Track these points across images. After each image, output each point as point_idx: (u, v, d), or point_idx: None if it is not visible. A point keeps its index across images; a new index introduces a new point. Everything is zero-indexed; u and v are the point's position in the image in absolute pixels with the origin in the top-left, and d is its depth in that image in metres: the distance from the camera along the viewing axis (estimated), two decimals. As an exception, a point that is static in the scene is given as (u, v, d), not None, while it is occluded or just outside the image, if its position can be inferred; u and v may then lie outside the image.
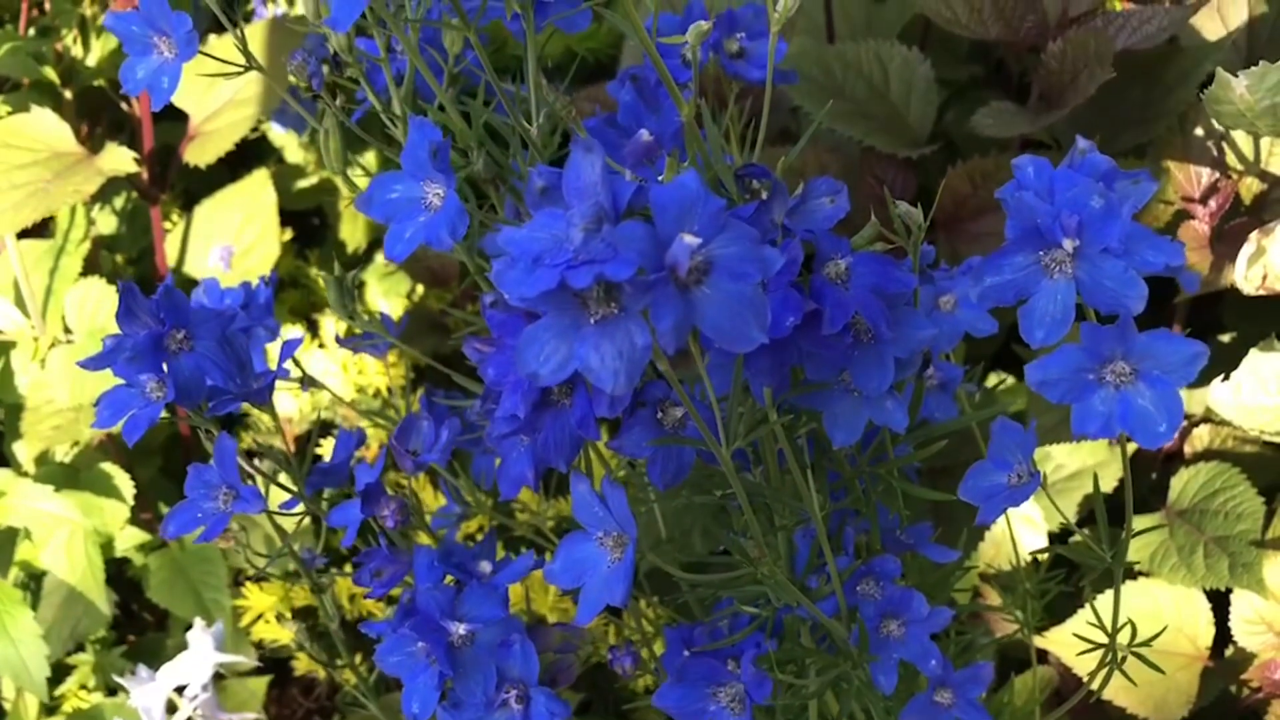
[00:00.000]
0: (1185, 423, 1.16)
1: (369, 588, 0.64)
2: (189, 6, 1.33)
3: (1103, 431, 0.48)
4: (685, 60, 0.68)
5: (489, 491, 0.84)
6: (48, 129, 1.07)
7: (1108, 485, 1.11)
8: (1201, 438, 1.16)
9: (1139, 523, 1.11)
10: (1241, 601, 1.05)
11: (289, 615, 1.25)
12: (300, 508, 0.68)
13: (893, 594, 0.67)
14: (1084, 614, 1.02)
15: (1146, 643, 0.69)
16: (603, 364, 0.39)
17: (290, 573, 0.83)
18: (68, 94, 1.24)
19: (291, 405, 1.40)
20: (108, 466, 1.17)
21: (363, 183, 0.69)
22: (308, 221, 1.62)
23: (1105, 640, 0.72)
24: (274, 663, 1.30)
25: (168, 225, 1.42)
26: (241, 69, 0.67)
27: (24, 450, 1.17)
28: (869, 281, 0.55)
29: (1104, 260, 0.48)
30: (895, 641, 0.67)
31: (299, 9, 1.36)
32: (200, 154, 1.16)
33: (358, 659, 1.07)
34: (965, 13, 0.96)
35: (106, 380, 1.07)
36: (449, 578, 0.64)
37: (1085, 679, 0.76)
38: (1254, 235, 0.88)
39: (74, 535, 1.13)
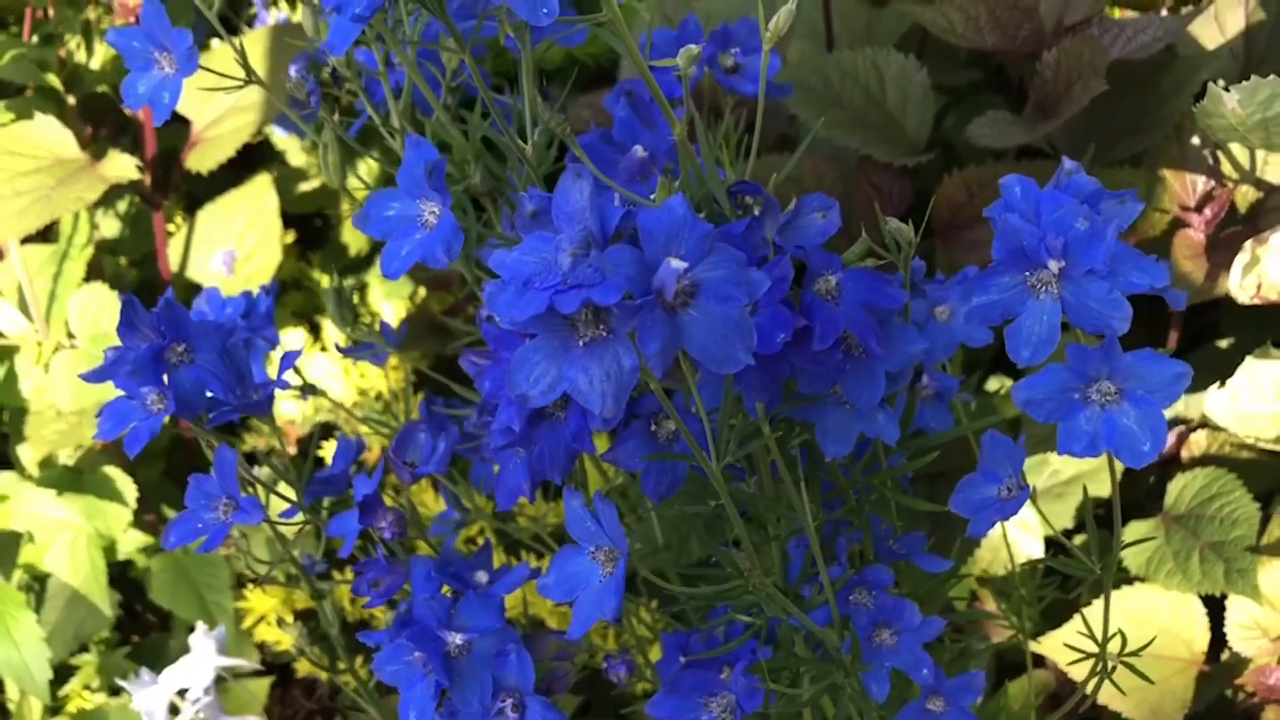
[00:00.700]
0: (1183, 427, 1.17)
1: (367, 598, 0.64)
2: (190, 16, 1.34)
3: (1087, 451, 0.49)
4: (680, 77, 0.68)
5: (489, 497, 0.85)
6: (51, 136, 1.08)
7: (1104, 490, 1.11)
8: (1199, 443, 1.16)
9: (1135, 528, 1.11)
10: (1237, 607, 1.05)
11: (291, 617, 1.26)
12: (300, 517, 0.69)
13: (885, 603, 0.68)
14: (1080, 619, 1.03)
15: (1136, 652, 0.69)
16: (591, 386, 0.40)
17: (292, 576, 0.84)
18: (71, 99, 1.24)
19: (293, 408, 1.41)
20: (110, 470, 1.18)
21: (362, 195, 0.70)
22: (310, 224, 1.63)
23: (1098, 647, 0.72)
24: (276, 663, 1.31)
25: (171, 228, 1.43)
26: (242, 82, 0.68)
27: (28, 454, 1.18)
28: (859, 297, 0.56)
29: (1089, 281, 0.48)
30: (888, 650, 0.68)
31: (300, 15, 1.37)
32: (202, 160, 1.17)
33: (359, 661, 1.08)
34: (961, 22, 0.97)
35: (109, 385, 1.08)
36: (446, 588, 0.64)
37: (1080, 684, 0.77)
38: (1248, 244, 0.89)
39: (77, 539, 1.14)
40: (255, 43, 1.18)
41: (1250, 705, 1.09)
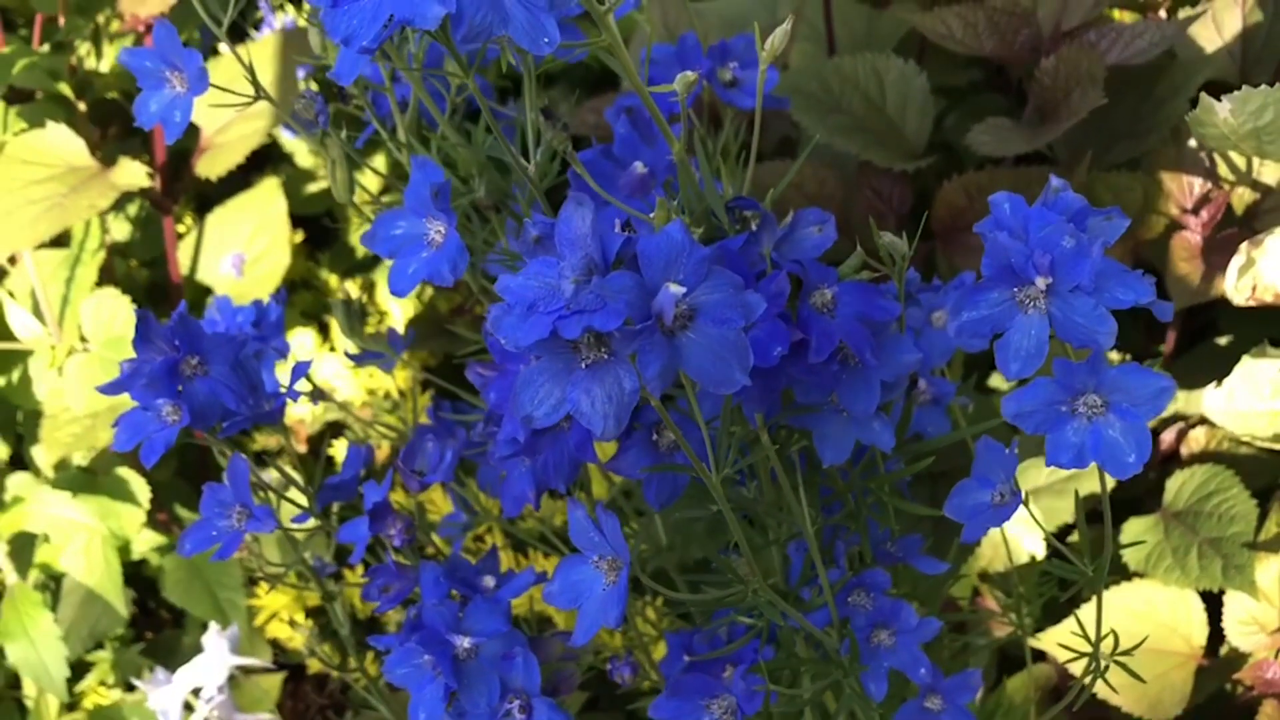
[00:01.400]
0: (1182, 424, 1.18)
1: (377, 603, 0.66)
2: (196, 36, 1.36)
3: (1075, 463, 0.50)
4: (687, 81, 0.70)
5: (497, 498, 0.87)
6: (62, 144, 1.10)
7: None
8: (1198, 439, 1.17)
9: (1134, 524, 1.13)
10: (1235, 602, 1.06)
11: (303, 615, 1.28)
12: (311, 523, 0.71)
13: (883, 605, 0.69)
14: (1080, 613, 1.04)
15: (1129, 651, 0.71)
16: (593, 408, 0.42)
17: (303, 574, 0.86)
18: (81, 105, 1.26)
19: (304, 408, 1.42)
20: (124, 471, 1.20)
21: (369, 208, 0.72)
22: (319, 224, 1.64)
23: (1108, 637, 0.73)
24: (289, 659, 1.33)
25: (181, 229, 1.45)
26: (250, 98, 0.70)
27: (43, 456, 1.20)
28: (854, 310, 0.57)
29: (1075, 298, 0.50)
30: (886, 650, 0.69)
31: (307, 18, 1.38)
32: (212, 166, 1.19)
33: (369, 658, 1.10)
34: (960, 28, 0.98)
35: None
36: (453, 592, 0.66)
37: (1077, 680, 0.78)
38: (1243, 247, 0.90)
39: (92, 539, 1.16)
40: (264, 49, 1.19)
41: (1249, 699, 1.10)
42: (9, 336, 1.21)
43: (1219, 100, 0.76)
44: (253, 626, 1.27)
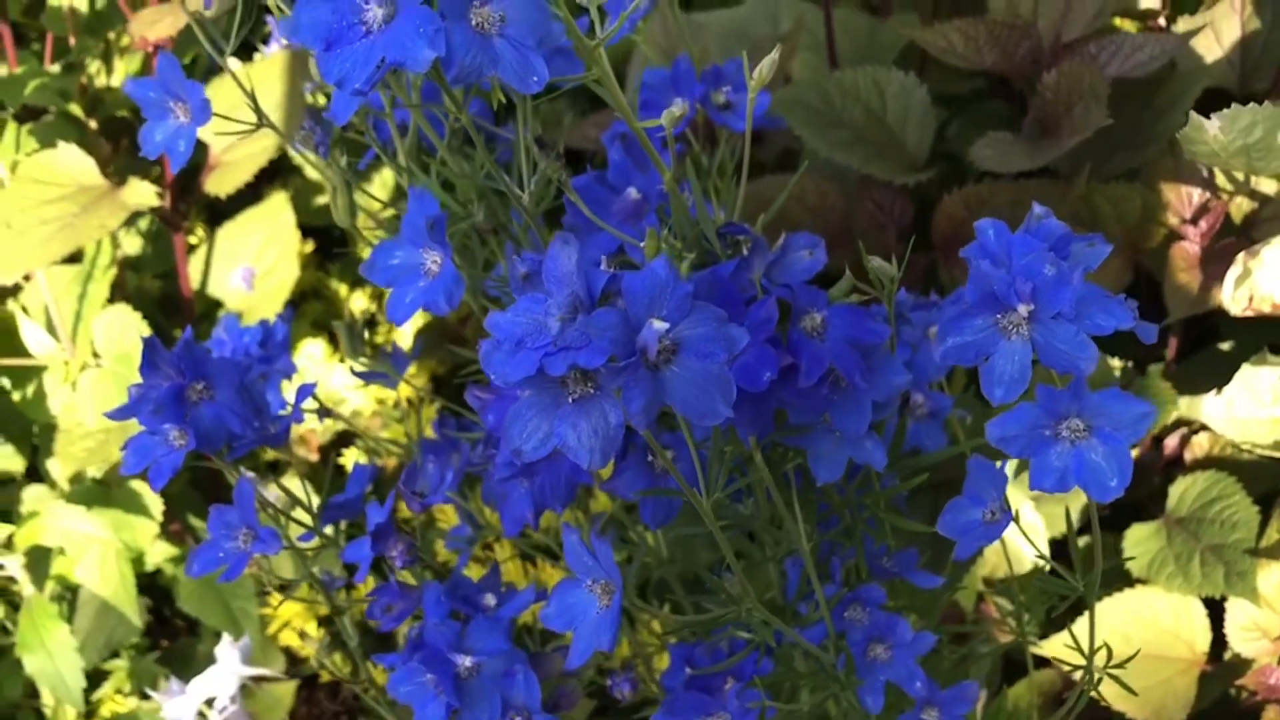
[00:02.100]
0: (1185, 430, 1.19)
1: (380, 622, 0.67)
2: (204, 56, 1.37)
3: (1058, 486, 0.51)
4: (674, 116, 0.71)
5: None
6: (73, 164, 1.11)
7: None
8: (1201, 445, 1.18)
9: (1138, 530, 1.13)
10: (1237, 609, 1.07)
11: (314, 623, 1.30)
12: (316, 541, 0.72)
13: (879, 619, 0.70)
14: (1083, 621, 1.05)
15: (1123, 664, 0.71)
16: (579, 442, 0.43)
17: (313, 587, 0.87)
18: (92, 123, 1.28)
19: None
20: (137, 484, 1.22)
21: (370, 233, 0.73)
22: (328, 234, 1.66)
23: (1101, 650, 0.74)
24: (301, 666, 1.35)
25: (192, 240, 1.46)
26: (254, 126, 0.71)
27: (58, 470, 1.21)
28: (844, 333, 0.58)
29: (1057, 324, 0.51)
30: (882, 664, 0.70)
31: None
32: (220, 184, 1.20)
33: (379, 667, 1.12)
34: (961, 42, 0.98)
35: (135, 405, 1.11)
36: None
37: (1078, 685, 0.79)
38: (1240, 257, 0.90)
39: (106, 552, 1.18)
40: (270, 67, 1.21)
41: (1252, 704, 1.11)
42: (23, 352, 1.23)
43: (1209, 118, 0.76)
44: (265, 635, 1.29)
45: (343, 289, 1.57)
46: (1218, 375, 1.10)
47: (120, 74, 1.39)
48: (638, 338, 0.43)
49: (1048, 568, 1.05)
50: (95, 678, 1.28)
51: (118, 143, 1.42)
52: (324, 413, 0.86)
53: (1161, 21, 1.17)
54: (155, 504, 1.21)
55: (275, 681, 1.28)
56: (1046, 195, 0.97)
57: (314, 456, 1.48)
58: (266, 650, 1.29)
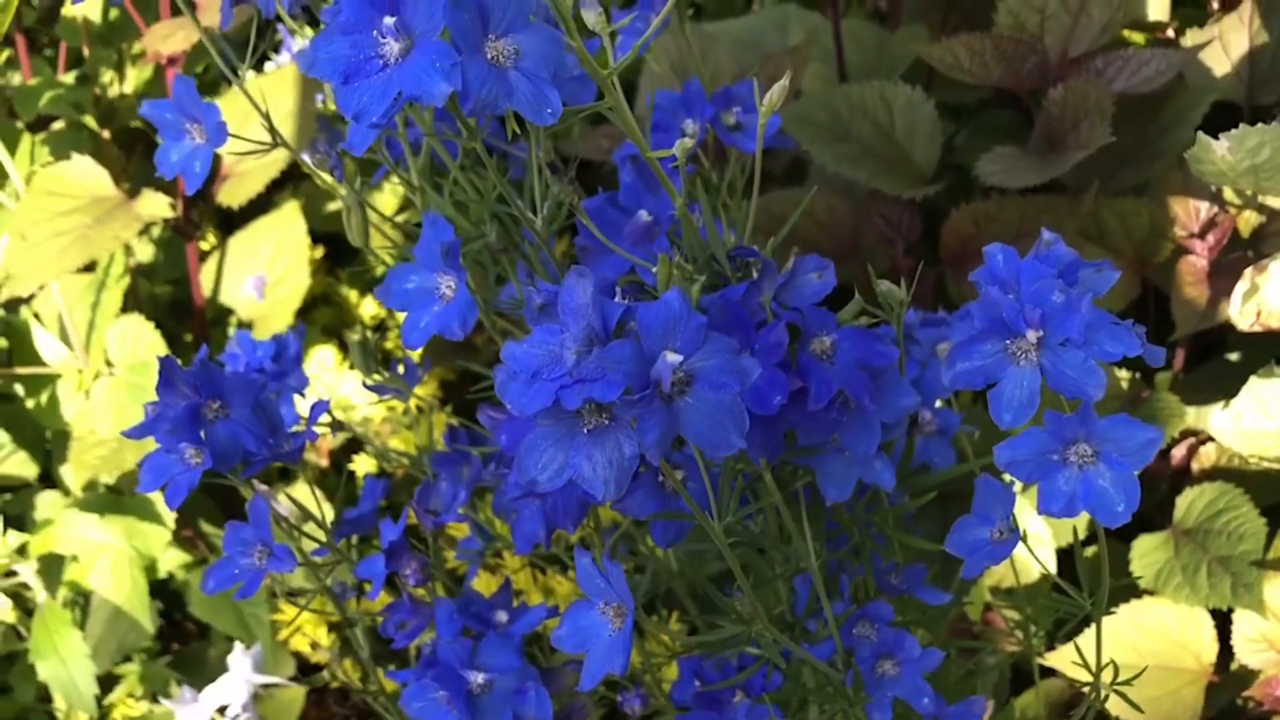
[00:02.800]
0: (1193, 440, 1.19)
1: (393, 639, 0.68)
2: (216, 67, 1.38)
3: (1066, 511, 0.52)
4: (685, 135, 0.71)
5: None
6: (87, 175, 1.12)
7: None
8: (1208, 455, 1.18)
9: (1145, 541, 1.13)
10: (1244, 620, 1.07)
11: (325, 628, 1.31)
12: (330, 556, 0.73)
13: (887, 636, 0.71)
14: (1090, 633, 1.05)
15: (1129, 681, 0.72)
16: (594, 473, 0.43)
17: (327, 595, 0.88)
18: (105, 134, 1.29)
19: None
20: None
21: (383, 250, 0.73)
22: (339, 240, 1.67)
23: (1108, 664, 0.74)
24: (313, 669, 1.36)
25: (204, 245, 1.47)
26: (268, 146, 0.72)
27: (72, 477, 1.22)
28: (853, 356, 0.59)
29: (1065, 350, 0.51)
30: (890, 680, 0.71)
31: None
32: (233, 195, 1.21)
33: (391, 667, 1.13)
34: (968, 58, 0.99)
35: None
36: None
37: (1086, 696, 0.79)
38: (1248, 272, 0.91)
39: (119, 559, 1.19)
40: (282, 78, 1.22)
41: (1259, 715, 1.11)
42: (37, 360, 1.24)
43: (1217, 137, 0.77)
44: (276, 641, 1.30)
45: (353, 295, 1.58)
46: (1225, 386, 1.10)
47: (133, 82, 1.40)
48: (652, 370, 0.43)
49: (1057, 577, 1.05)
50: (107, 682, 1.29)
51: (130, 151, 1.43)
52: (336, 426, 0.87)
53: (1170, 33, 1.17)
54: (167, 511, 1.21)
55: (285, 687, 1.29)
56: (1054, 210, 0.98)
57: (324, 462, 1.49)
58: (277, 656, 1.30)
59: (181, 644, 1.42)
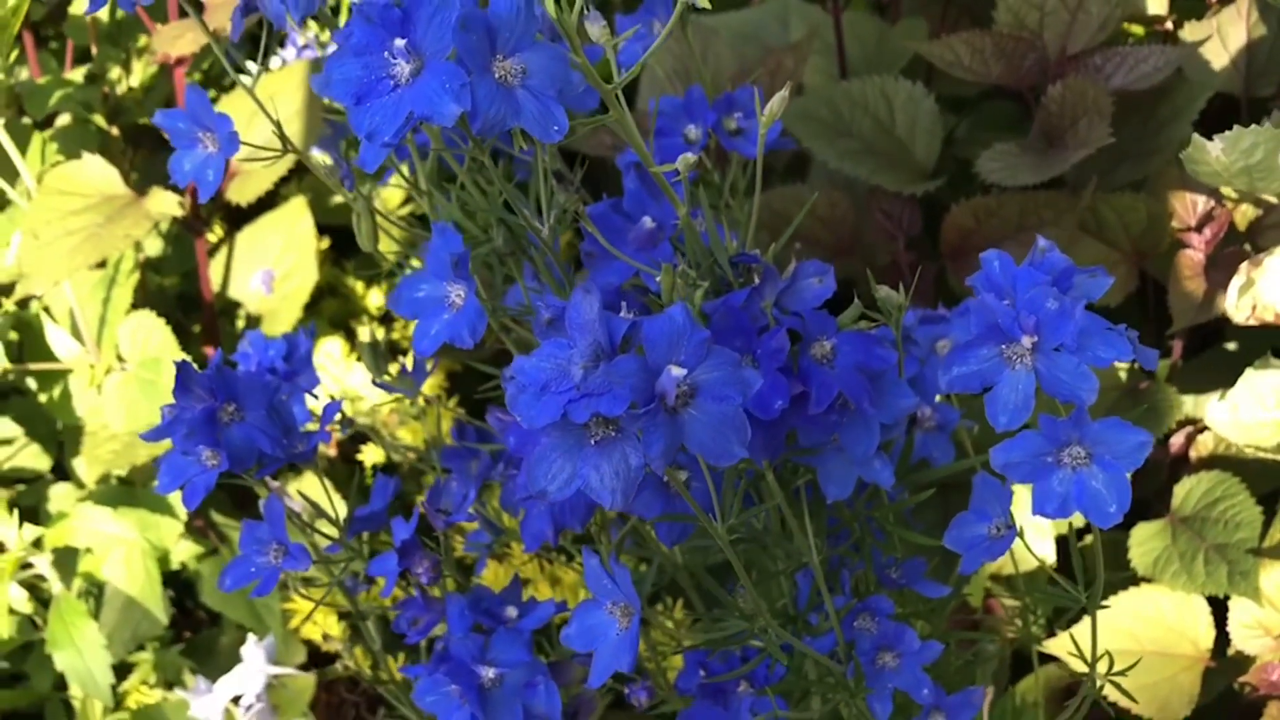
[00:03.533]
0: (1191, 428, 1.20)
1: (406, 634, 0.70)
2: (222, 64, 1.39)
3: (1059, 512, 0.53)
4: (687, 140, 0.73)
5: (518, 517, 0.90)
6: (97, 174, 1.14)
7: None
8: (1206, 443, 1.19)
9: (1143, 529, 1.15)
10: (1240, 607, 1.09)
11: (336, 617, 1.33)
12: (342, 553, 0.75)
13: (887, 629, 0.72)
14: (1077, 632, 1.06)
15: (1123, 672, 0.74)
16: (602, 483, 0.45)
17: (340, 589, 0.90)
18: (114, 130, 1.30)
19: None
20: (163, 484, 1.24)
21: (392, 255, 0.75)
22: (345, 232, 1.68)
23: (1103, 655, 0.76)
24: (323, 656, 1.38)
25: (211, 236, 1.49)
26: (278, 154, 0.73)
27: (85, 470, 1.24)
28: (853, 360, 0.60)
29: (1059, 356, 0.53)
30: (890, 672, 0.73)
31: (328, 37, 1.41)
32: (242, 192, 1.22)
33: (402, 658, 1.15)
34: (968, 55, 1.00)
35: (159, 409, 1.14)
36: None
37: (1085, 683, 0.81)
38: (1244, 266, 0.92)
39: (132, 551, 1.21)
40: (290, 75, 1.23)
41: (1254, 700, 1.13)
42: (50, 356, 1.26)
43: (1211, 139, 0.78)
44: (287, 629, 1.32)
45: (359, 286, 1.59)
46: (1223, 374, 1.11)
47: (139, 76, 1.42)
48: (657, 383, 0.45)
49: (1055, 567, 1.07)
50: (121, 670, 1.31)
51: (137, 146, 1.44)
52: (346, 423, 0.88)
53: (1169, 25, 1.18)
54: (179, 503, 1.23)
55: (298, 671, 1.31)
56: (1054, 205, 0.99)
57: (333, 452, 1.50)
58: (289, 643, 1.32)
59: (193, 631, 1.44)
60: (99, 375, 1.22)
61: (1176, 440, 1.20)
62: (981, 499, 0.66)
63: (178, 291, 1.52)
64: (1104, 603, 1.10)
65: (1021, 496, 1.13)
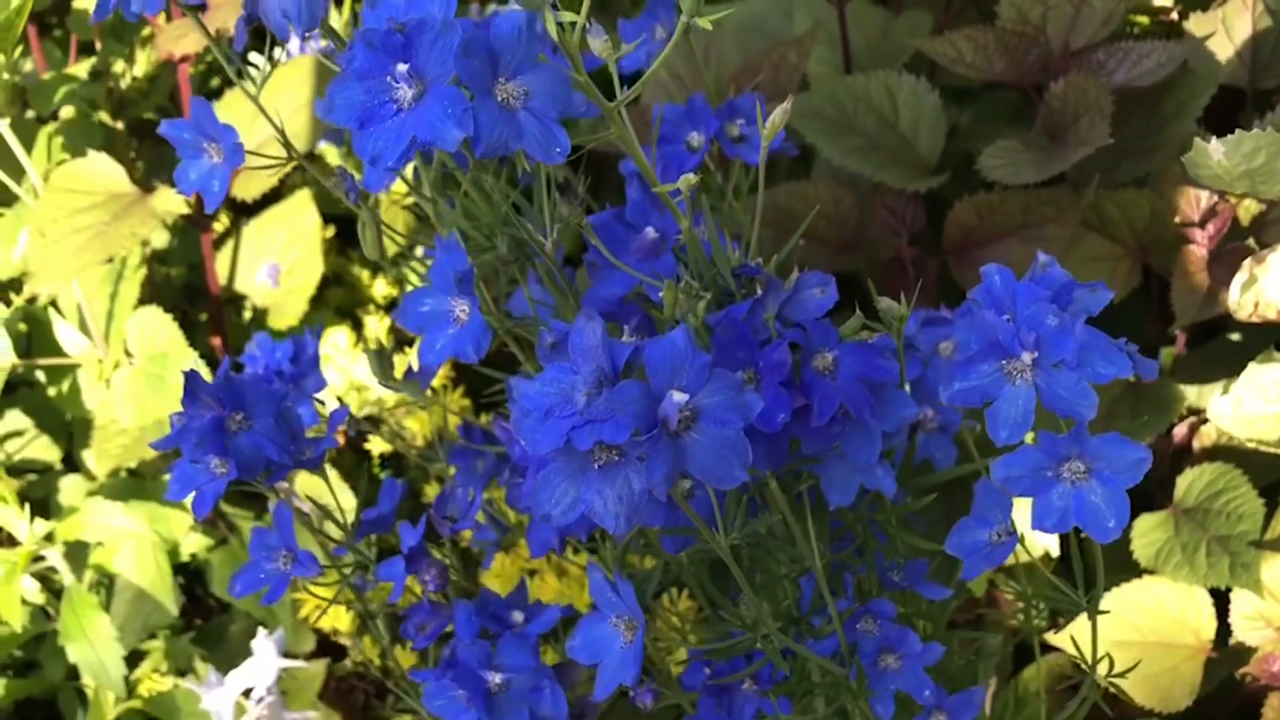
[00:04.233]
0: (1194, 419, 1.21)
1: (412, 639, 0.71)
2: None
3: (1058, 526, 0.54)
4: (690, 147, 0.73)
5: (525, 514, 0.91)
6: (103, 171, 1.14)
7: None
8: (1209, 434, 1.20)
9: (1146, 520, 1.16)
10: (1241, 599, 1.09)
11: (344, 609, 1.34)
12: (349, 556, 0.76)
13: (889, 631, 0.73)
14: (1075, 631, 1.07)
15: (1124, 674, 0.74)
16: (605, 508, 0.46)
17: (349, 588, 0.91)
18: (119, 124, 1.30)
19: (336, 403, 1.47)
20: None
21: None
22: (350, 220, 1.68)
23: (1104, 657, 0.77)
24: (331, 643, 1.39)
25: (217, 225, 1.49)
26: (283, 161, 0.73)
27: (95, 464, 1.25)
28: (855, 371, 0.61)
29: (1059, 372, 0.53)
30: (892, 673, 0.73)
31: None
32: (247, 188, 1.23)
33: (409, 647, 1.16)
34: (970, 51, 1.00)
35: (166, 403, 1.15)
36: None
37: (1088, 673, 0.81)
38: (1247, 263, 0.92)
39: (142, 544, 1.22)
40: (296, 69, 1.23)
41: (1256, 688, 1.13)
42: (57, 350, 1.27)
43: (1218, 128, 0.78)
44: (296, 619, 1.33)
45: (364, 275, 1.60)
46: (1227, 365, 1.12)
47: (143, 66, 1.42)
48: (659, 408, 0.46)
49: (1060, 556, 1.07)
50: (132, 658, 1.33)
51: (141, 139, 1.44)
52: (356, 425, 0.89)
53: (1174, 16, 1.18)
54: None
55: (307, 659, 1.33)
56: (1056, 202, 0.99)
57: (340, 439, 1.51)
58: (298, 632, 1.33)
59: (204, 619, 1.45)
60: (107, 370, 1.23)
61: (1180, 430, 1.20)
62: (983, 505, 0.67)
63: (184, 281, 1.53)
64: (1106, 592, 1.11)
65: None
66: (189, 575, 1.43)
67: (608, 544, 0.69)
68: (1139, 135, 1.02)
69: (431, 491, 1.31)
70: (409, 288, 1.63)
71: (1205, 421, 1.19)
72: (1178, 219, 1.00)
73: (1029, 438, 0.55)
